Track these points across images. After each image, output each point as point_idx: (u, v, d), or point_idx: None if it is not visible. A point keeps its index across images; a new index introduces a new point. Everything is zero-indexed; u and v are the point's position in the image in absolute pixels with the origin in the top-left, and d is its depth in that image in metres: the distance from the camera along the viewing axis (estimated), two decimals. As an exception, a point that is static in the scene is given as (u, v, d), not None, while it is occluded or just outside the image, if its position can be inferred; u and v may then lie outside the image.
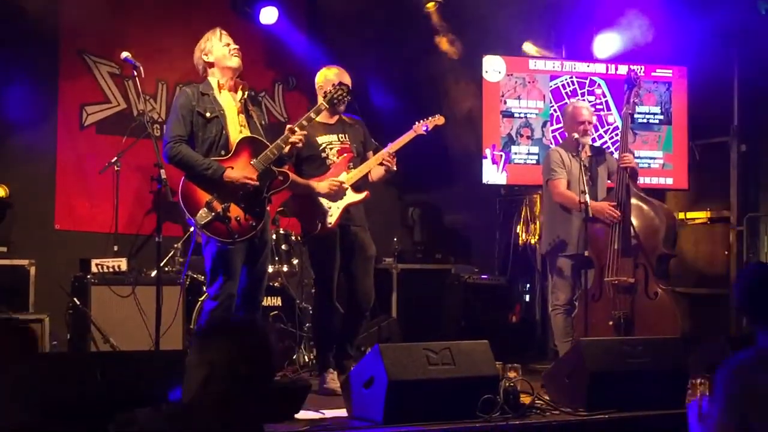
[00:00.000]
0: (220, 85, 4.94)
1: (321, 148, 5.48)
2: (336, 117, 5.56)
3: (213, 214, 4.70)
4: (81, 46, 7.03)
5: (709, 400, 3.09)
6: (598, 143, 7.06)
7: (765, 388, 2.80)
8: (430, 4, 7.58)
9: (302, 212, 5.55)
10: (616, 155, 6.32)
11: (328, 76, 5.51)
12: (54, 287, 6.08)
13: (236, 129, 4.90)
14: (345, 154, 5.50)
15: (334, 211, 5.40)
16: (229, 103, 4.94)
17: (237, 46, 4.98)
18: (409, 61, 7.84)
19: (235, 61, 4.95)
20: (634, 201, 5.95)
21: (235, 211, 4.76)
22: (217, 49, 4.94)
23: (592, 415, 4.51)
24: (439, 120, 5.69)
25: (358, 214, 5.56)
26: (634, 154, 6.27)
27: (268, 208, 4.96)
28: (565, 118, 6.36)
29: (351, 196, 5.45)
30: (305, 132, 4.98)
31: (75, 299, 5.84)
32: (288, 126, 4.95)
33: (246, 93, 5.02)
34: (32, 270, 5.94)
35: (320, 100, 5.28)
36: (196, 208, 4.71)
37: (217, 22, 5.22)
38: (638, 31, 7.34)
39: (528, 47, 7.91)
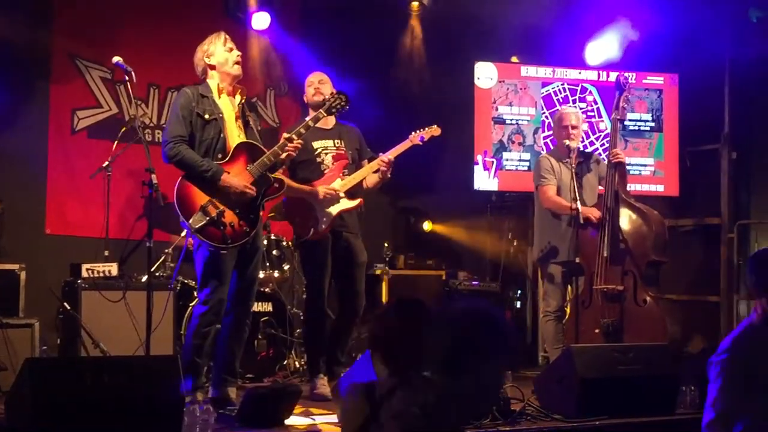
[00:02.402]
0: (219, 89, 4.93)
1: (316, 152, 5.49)
2: (332, 122, 5.57)
3: (207, 218, 4.69)
4: (73, 50, 7.00)
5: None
6: (589, 150, 7.07)
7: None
8: (414, 4, 7.59)
9: (295, 217, 5.55)
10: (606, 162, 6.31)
11: (307, 81, 5.61)
12: (44, 292, 6.04)
13: (234, 133, 4.89)
14: (340, 160, 5.51)
15: (327, 216, 5.40)
16: (228, 107, 4.93)
17: (240, 53, 4.99)
18: (401, 69, 7.84)
19: (236, 69, 4.95)
20: (623, 207, 5.92)
21: (230, 217, 4.75)
22: (220, 52, 4.93)
23: (582, 422, 4.52)
24: (435, 131, 5.70)
25: (351, 220, 5.56)
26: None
27: (261, 214, 4.96)
28: (554, 125, 6.36)
29: (344, 203, 5.46)
30: (302, 141, 4.99)
31: (65, 304, 5.81)
32: (284, 134, 4.95)
33: (244, 98, 5.02)
34: (22, 275, 5.90)
35: (310, 110, 5.29)
36: (191, 211, 4.70)
37: (210, 27, 5.21)
38: (626, 37, 7.35)
39: (517, 61, 7.91)
